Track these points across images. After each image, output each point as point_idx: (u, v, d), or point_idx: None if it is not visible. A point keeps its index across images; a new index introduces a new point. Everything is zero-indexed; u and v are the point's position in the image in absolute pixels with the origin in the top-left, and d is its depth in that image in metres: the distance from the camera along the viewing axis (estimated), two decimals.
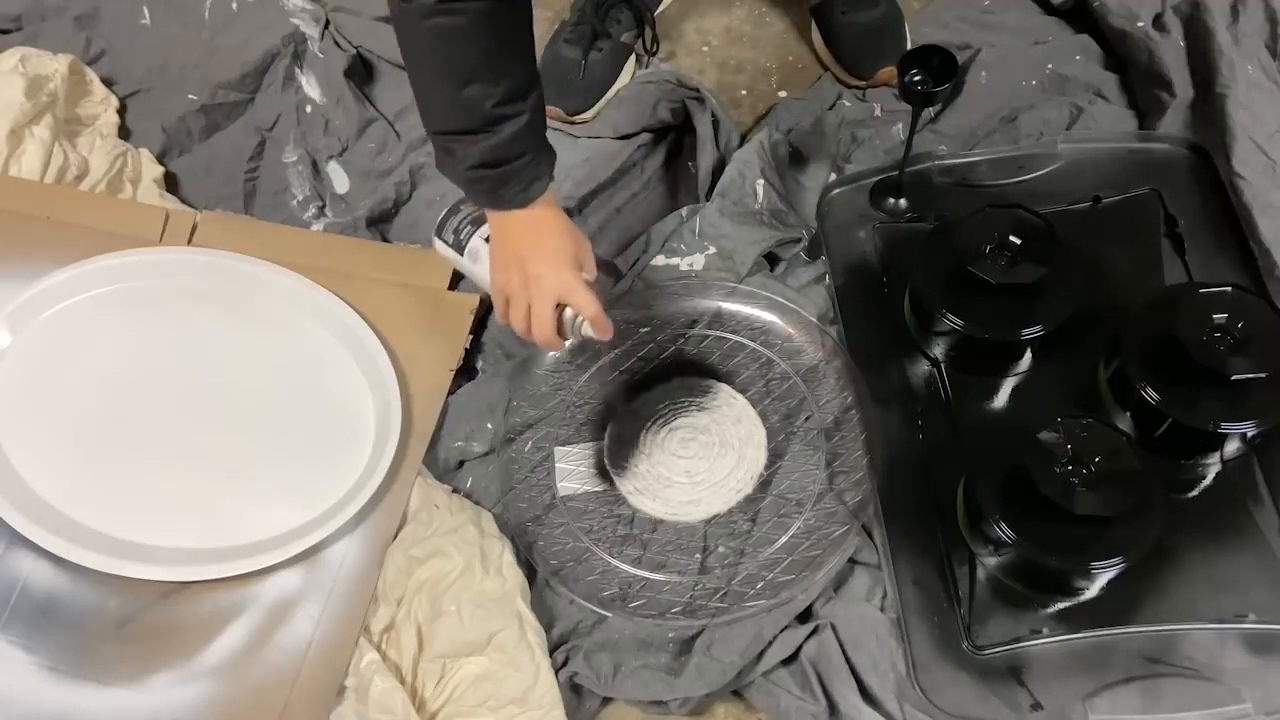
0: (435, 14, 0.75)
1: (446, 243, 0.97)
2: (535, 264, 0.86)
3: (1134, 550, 0.82)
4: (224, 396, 1.00)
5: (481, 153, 0.81)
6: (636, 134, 1.17)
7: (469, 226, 0.95)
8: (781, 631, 0.88)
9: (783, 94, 1.23)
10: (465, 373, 1.04)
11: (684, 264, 1.09)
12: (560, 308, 0.87)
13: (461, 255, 0.96)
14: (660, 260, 1.09)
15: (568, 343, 0.91)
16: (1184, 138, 1.09)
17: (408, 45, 0.81)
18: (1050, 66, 1.18)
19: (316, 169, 1.18)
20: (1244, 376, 0.85)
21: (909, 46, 1.20)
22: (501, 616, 0.88)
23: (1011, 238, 0.94)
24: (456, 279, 1.08)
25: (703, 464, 0.98)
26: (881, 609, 0.89)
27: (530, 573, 0.93)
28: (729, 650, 0.87)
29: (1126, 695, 0.83)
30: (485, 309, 1.07)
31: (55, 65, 1.15)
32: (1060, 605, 0.87)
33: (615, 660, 0.88)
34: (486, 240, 0.93)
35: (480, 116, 0.80)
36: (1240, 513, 0.90)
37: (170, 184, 1.17)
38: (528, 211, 0.86)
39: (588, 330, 0.88)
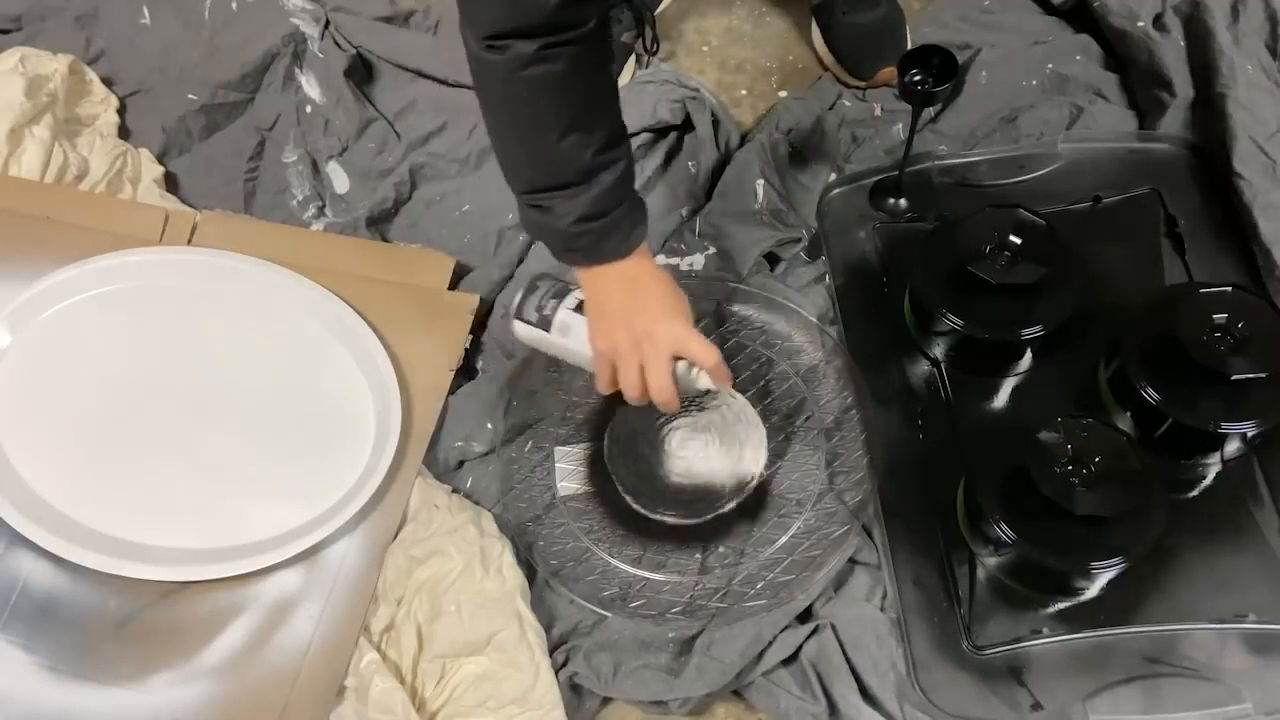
0: (533, 63, 0.72)
1: (530, 323, 0.91)
2: (644, 319, 0.82)
3: (1134, 550, 0.83)
4: (224, 396, 1.00)
5: (584, 205, 0.78)
6: (636, 134, 1.17)
7: (551, 300, 0.90)
8: (781, 631, 0.88)
9: (783, 94, 1.23)
10: (465, 373, 1.04)
11: (684, 264, 1.09)
12: (673, 362, 0.84)
13: (549, 332, 0.90)
14: (660, 260, 1.09)
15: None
16: (1184, 138, 1.09)
17: (499, 101, 0.77)
18: (1050, 66, 1.18)
19: (316, 169, 1.18)
20: (1244, 376, 0.85)
21: (909, 46, 1.20)
22: (501, 616, 0.88)
23: (1011, 238, 0.94)
24: (456, 279, 1.08)
25: (703, 464, 0.98)
26: (881, 609, 0.89)
27: (530, 573, 0.93)
28: (729, 650, 0.87)
29: (1126, 695, 0.84)
30: (485, 309, 1.07)
31: (55, 65, 1.15)
32: (1060, 605, 0.87)
33: (615, 660, 0.88)
34: (575, 310, 0.89)
35: (582, 167, 0.77)
36: (1240, 513, 0.90)
37: (170, 184, 1.17)
38: (626, 264, 0.82)
39: (704, 382, 0.85)
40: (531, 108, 0.75)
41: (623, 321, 0.83)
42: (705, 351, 0.83)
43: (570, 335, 0.90)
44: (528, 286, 0.93)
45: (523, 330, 0.93)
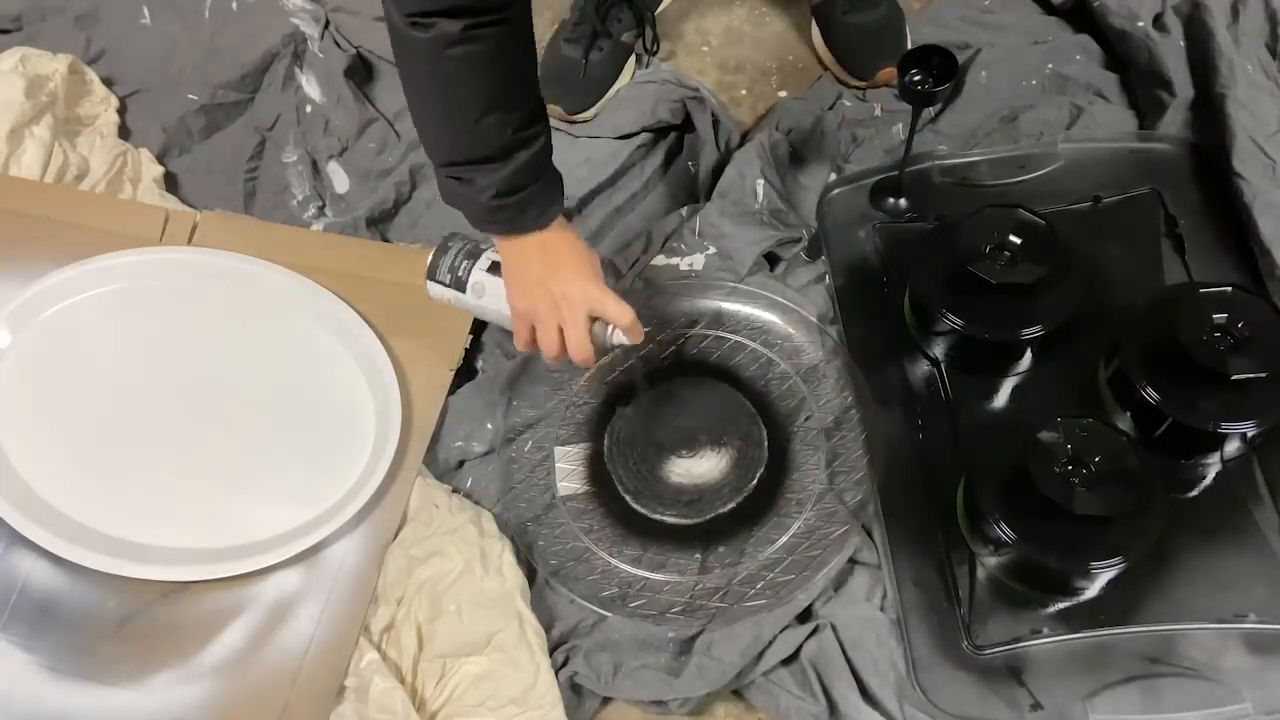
0: (459, 42, 0.74)
1: (444, 283, 0.94)
2: (560, 282, 0.85)
3: (1134, 550, 0.82)
4: (224, 396, 1.00)
5: (501, 181, 0.80)
6: (636, 134, 1.17)
7: (465, 261, 0.93)
8: (781, 631, 0.88)
9: (783, 94, 1.23)
10: (465, 373, 1.04)
11: (684, 264, 1.09)
12: (590, 322, 0.86)
13: (464, 293, 0.93)
14: (660, 260, 1.09)
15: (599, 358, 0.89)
16: (1184, 138, 1.09)
17: (422, 77, 0.79)
18: (1050, 66, 1.18)
19: (316, 169, 1.18)
20: (1244, 376, 0.85)
21: (909, 46, 1.20)
22: (501, 616, 0.88)
23: (1011, 238, 0.94)
24: None
25: (703, 464, 0.98)
26: (881, 609, 0.89)
27: (530, 573, 0.93)
28: (729, 650, 0.87)
29: (1126, 695, 0.83)
30: None
31: (55, 65, 1.15)
32: (1060, 605, 0.87)
33: (615, 660, 0.88)
34: (488, 271, 0.92)
35: (500, 144, 0.79)
36: (1240, 513, 0.90)
37: (170, 184, 1.17)
38: (542, 234, 0.85)
39: (620, 339, 0.87)
40: (454, 86, 0.77)
41: (539, 284, 0.86)
42: (619, 310, 0.85)
43: (485, 295, 0.92)
44: (439, 247, 0.95)
45: (437, 290, 0.95)
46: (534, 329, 0.88)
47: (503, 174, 0.80)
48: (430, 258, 0.95)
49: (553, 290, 0.85)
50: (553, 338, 0.87)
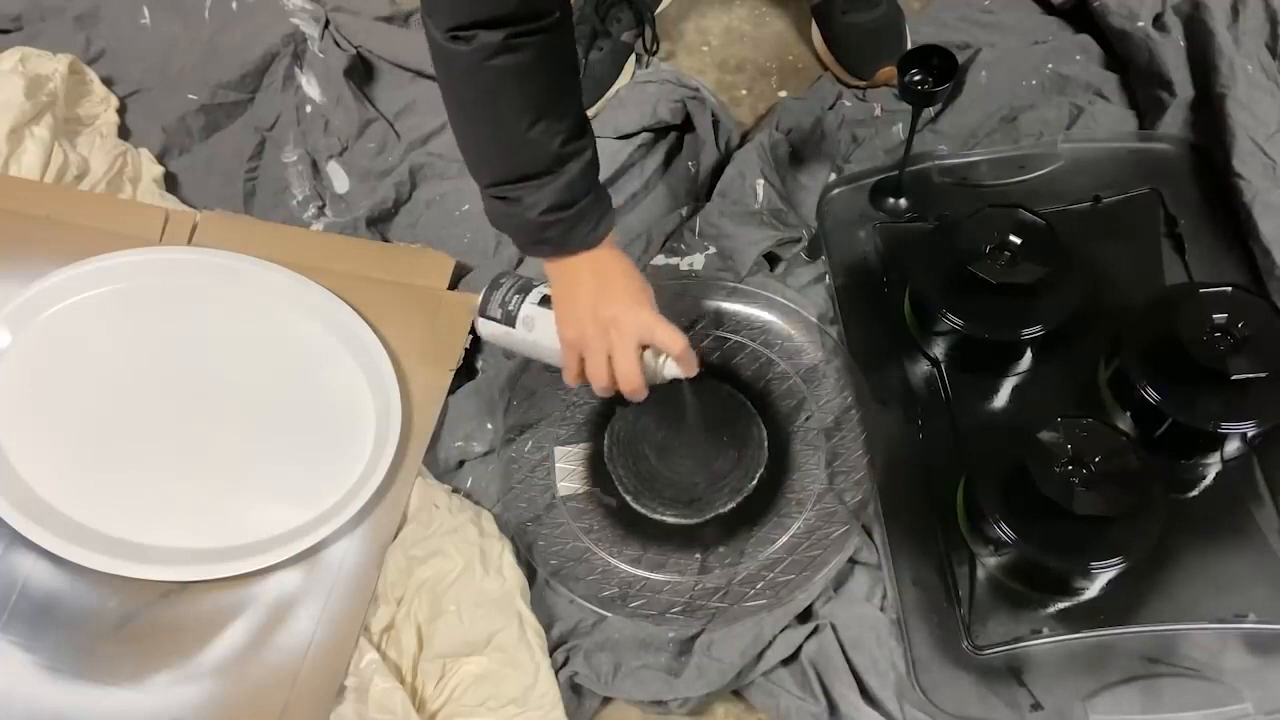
0: (500, 52, 0.72)
1: (494, 319, 0.92)
2: (610, 307, 0.81)
3: (1134, 550, 0.82)
4: (224, 396, 1.00)
5: (553, 194, 0.78)
6: (636, 134, 1.17)
7: (515, 296, 0.91)
8: (781, 631, 0.88)
9: (783, 94, 1.23)
10: (465, 373, 1.04)
11: (684, 264, 1.09)
12: (641, 350, 0.83)
13: (514, 328, 0.91)
14: (660, 260, 1.09)
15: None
16: (1184, 138, 1.09)
17: (465, 91, 0.77)
18: (1050, 66, 1.18)
19: (316, 169, 1.18)
20: (1244, 376, 0.85)
21: (909, 46, 1.20)
22: (501, 616, 0.88)
23: (1011, 238, 0.94)
24: (456, 279, 1.08)
25: (702, 464, 0.98)
26: (881, 609, 0.89)
27: (530, 573, 0.93)
28: (729, 650, 0.87)
29: (1126, 695, 0.84)
30: None
31: (55, 65, 1.15)
32: (1060, 605, 0.87)
33: (615, 660, 0.88)
34: (539, 304, 0.90)
35: (550, 156, 0.77)
36: (1240, 513, 0.90)
37: (170, 184, 1.16)
38: (593, 254, 0.82)
39: (673, 370, 0.84)
40: (499, 98, 0.75)
41: (590, 310, 0.83)
42: (672, 338, 0.82)
43: (535, 329, 0.90)
44: (491, 284, 0.93)
45: (487, 328, 0.94)
46: (583, 360, 0.85)
47: (553, 187, 0.78)
48: (481, 295, 0.93)
49: (602, 315, 0.82)
50: (601, 367, 0.83)
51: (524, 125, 0.75)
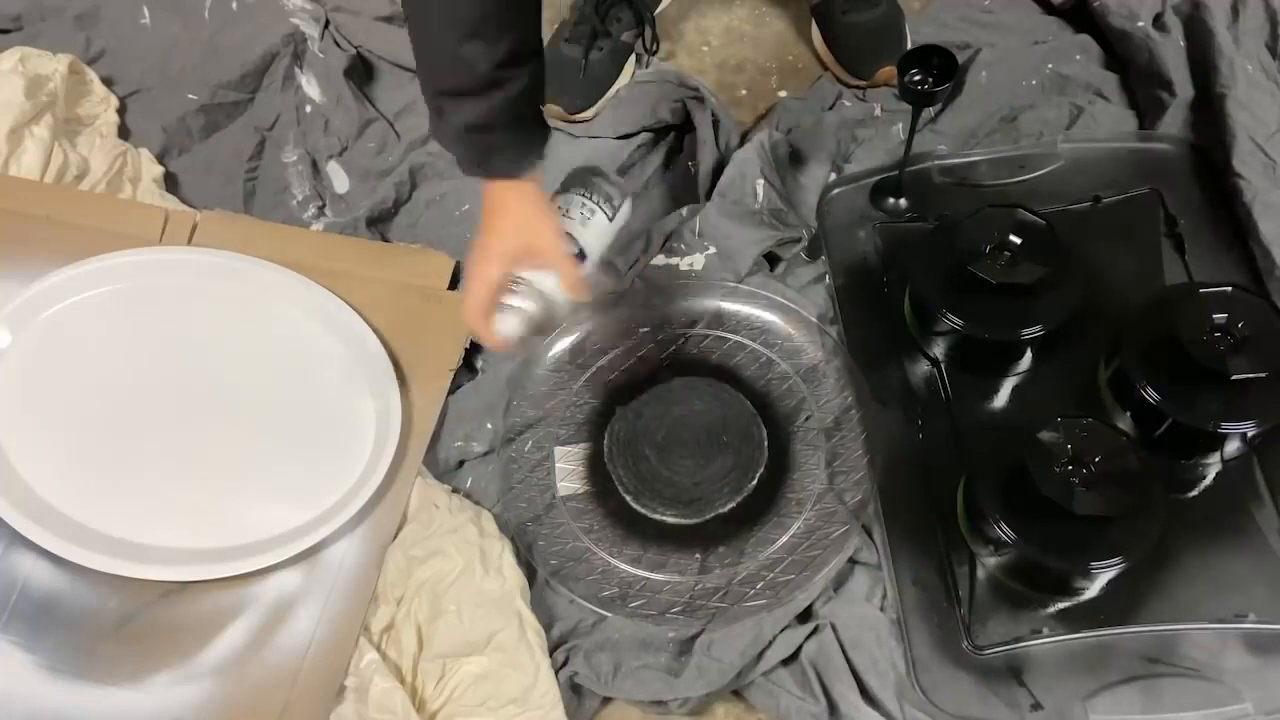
0: None
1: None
2: (485, 238, 0.84)
3: (1134, 550, 0.82)
4: (224, 396, 1.00)
5: (473, 114, 0.79)
6: (636, 134, 1.17)
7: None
8: (781, 631, 0.88)
9: (783, 94, 1.23)
10: (465, 373, 1.04)
11: (684, 264, 1.09)
12: (499, 291, 0.84)
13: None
14: (660, 260, 1.09)
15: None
16: (1184, 138, 1.09)
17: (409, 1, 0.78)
18: (1050, 66, 1.18)
19: (316, 169, 1.18)
20: (1244, 376, 0.85)
21: (909, 46, 1.20)
22: (501, 616, 0.88)
23: (1011, 238, 0.94)
24: (456, 279, 1.08)
25: (702, 464, 0.98)
26: (881, 609, 0.89)
27: (530, 573, 0.93)
28: (729, 650, 0.87)
29: (1126, 695, 0.83)
30: None
31: (55, 65, 1.15)
32: (1060, 605, 0.87)
33: (615, 660, 0.88)
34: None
35: (478, 76, 0.77)
36: (1240, 513, 0.90)
37: (170, 184, 1.16)
38: (509, 185, 0.83)
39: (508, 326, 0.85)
40: (441, 7, 0.76)
41: (477, 233, 0.85)
42: (472, 298, 0.83)
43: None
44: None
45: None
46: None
47: (476, 108, 0.78)
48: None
49: (476, 244, 0.84)
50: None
51: (457, 39, 0.75)
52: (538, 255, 0.84)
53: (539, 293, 0.86)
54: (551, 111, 1.17)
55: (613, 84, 1.21)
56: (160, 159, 1.17)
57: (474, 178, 0.85)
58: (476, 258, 0.84)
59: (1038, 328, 0.94)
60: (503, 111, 0.79)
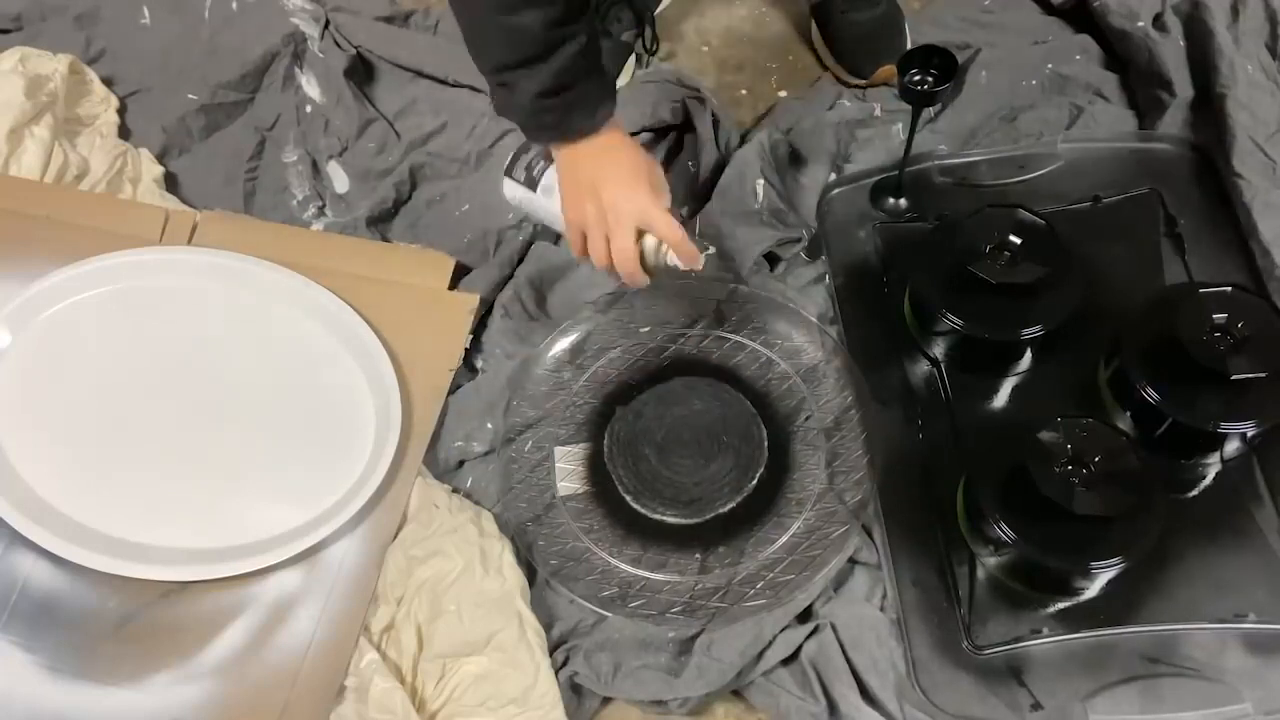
0: None
1: (518, 181, 0.94)
2: (609, 191, 0.84)
3: (1134, 550, 0.82)
4: (224, 396, 1.00)
5: (542, 80, 0.79)
6: (636, 134, 1.17)
7: (542, 162, 0.93)
8: (781, 631, 0.88)
9: (783, 94, 1.23)
10: (465, 373, 1.04)
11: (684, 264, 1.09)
12: (640, 236, 0.85)
13: (534, 191, 0.93)
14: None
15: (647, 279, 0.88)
16: (1184, 138, 1.09)
17: None
18: (1050, 66, 1.18)
19: (316, 169, 1.18)
20: (1244, 376, 0.85)
21: (909, 46, 1.20)
22: (501, 616, 0.88)
23: (1011, 238, 0.94)
24: (456, 279, 1.08)
25: (702, 464, 0.98)
26: (881, 609, 0.89)
27: (530, 573, 0.93)
28: (729, 650, 0.87)
29: (1126, 695, 0.83)
30: (485, 309, 1.07)
31: (55, 65, 1.15)
32: (1060, 605, 0.87)
33: (615, 660, 0.88)
34: None
35: (537, 41, 0.78)
36: (1240, 513, 0.90)
37: (170, 184, 1.16)
38: (595, 139, 0.84)
39: (672, 259, 0.86)
40: None
41: (590, 192, 0.85)
42: (668, 227, 0.84)
43: (554, 197, 0.92)
44: (520, 147, 0.95)
45: (510, 189, 0.95)
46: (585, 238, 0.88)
47: (545, 73, 0.79)
48: (509, 157, 0.95)
49: (602, 198, 0.84)
50: (600, 248, 0.86)
51: (507, 11, 0.76)
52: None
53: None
54: None
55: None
56: (160, 159, 1.17)
57: (550, 143, 0.86)
58: (647, 201, 0.84)
59: (1038, 328, 0.94)
60: (570, 70, 0.80)
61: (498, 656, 0.87)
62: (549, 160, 0.93)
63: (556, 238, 1.09)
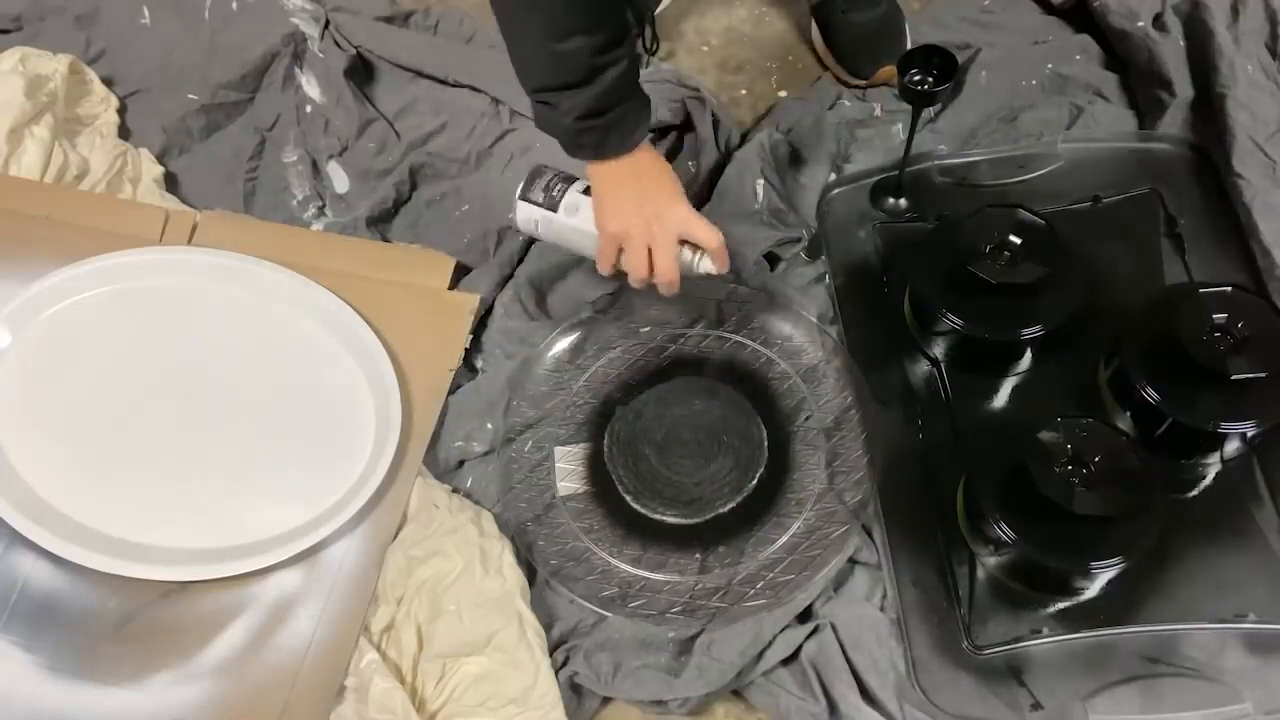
0: None
1: (536, 203, 0.98)
2: (653, 204, 0.89)
3: (1134, 550, 0.82)
4: (224, 396, 1.00)
5: (586, 103, 0.83)
6: None
7: (560, 184, 0.97)
8: (781, 631, 0.88)
9: (783, 94, 1.23)
10: (465, 373, 1.04)
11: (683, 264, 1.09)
12: (679, 245, 0.90)
13: (556, 212, 0.97)
14: None
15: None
16: (1184, 138, 1.09)
17: (507, 5, 0.82)
18: (1050, 66, 1.18)
19: (316, 169, 1.18)
20: (1244, 376, 0.85)
21: (909, 46, 1.20)
22: (501, 616, 0.88)
23: (1011, 238, 0.94)
24: (456, 279, 1.08)
25: (702, 464, 0.98)
26: (881, 609, 0.89)
27: (530, 573, 0.93)
28: (729, 650, 0.87)
29: (1126, 695, 0.84)
30: (485, 309, 1.07)
31: (55, 65, 1.15)
32: (1060, 605, 0.87)
33: (615, 660, 0.88)
34: (585, 193, 0.95)
35: (583, 67, 0.81)
36: (1240, 513, 0.90)
37: (170, 184, 1.16)
38: (631, 157, 0.88)
39: (706, 265, 0.91)
40: (537, 9, 0.80)
41: (634, 206, 0.90)
42: (709, 233, 0.90)
43: (578, 215, 0.96)
44: (532, 172, 0.99)
45: (526, 212, 0.99)
46: (620, 252, 0.92)
47: (587, 96, 0.83)
48: (523, 180, 0.98)
49: (646, 211, 0.89)
50: (641, 259, 0.90)
51: (556, 39, 0.80)
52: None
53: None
54: None
55: None
56: (160, 159, 1.17)
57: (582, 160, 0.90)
58: (687, 212, 0.90)
59: (1038, 328, 0.94)
60: (611, 94, 0.84)
61: (498, 656, 0.87)
62: (568, 182, 0.97)
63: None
